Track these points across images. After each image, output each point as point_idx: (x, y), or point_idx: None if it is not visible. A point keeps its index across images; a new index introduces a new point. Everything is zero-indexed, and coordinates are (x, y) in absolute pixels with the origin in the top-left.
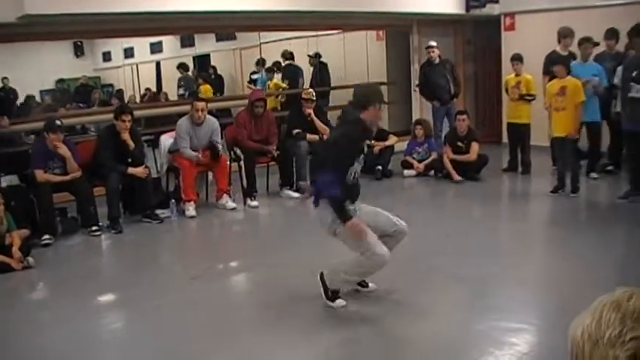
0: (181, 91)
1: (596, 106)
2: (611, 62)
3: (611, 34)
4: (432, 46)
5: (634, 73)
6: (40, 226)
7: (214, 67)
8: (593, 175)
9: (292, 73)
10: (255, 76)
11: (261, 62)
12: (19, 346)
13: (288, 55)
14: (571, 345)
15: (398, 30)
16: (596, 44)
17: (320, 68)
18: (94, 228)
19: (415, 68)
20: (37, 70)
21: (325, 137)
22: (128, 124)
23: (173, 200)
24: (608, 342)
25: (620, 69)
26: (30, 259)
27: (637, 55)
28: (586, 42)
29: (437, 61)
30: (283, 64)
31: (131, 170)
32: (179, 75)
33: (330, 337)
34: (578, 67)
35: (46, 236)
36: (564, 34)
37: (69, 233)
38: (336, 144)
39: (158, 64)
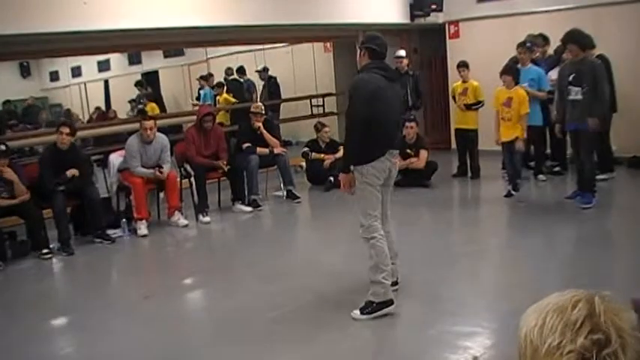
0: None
1: (537, 110)
2: (545, 67)
3: (542, 39)
4: (400, 57)
5: (570, 78)
6: None
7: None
8: (541, 177)
9: (236, 88)
10: (202, 92)
11: (206, 78)
12: None
13: (230, 72)
14: (518, 343)
15: (345, 41)
16: (530, 48)
17: (270, 82)
18: (44, 251)
19: None
20: None
21: (275, 151)
22: (66, 137)
23: (124, 219)
24: (547, 351)
25: (552, 73)
26: None
27: (572, 61)
28: (521, 47)
29: (404, 71)
30: (228, 79)
31: (69, 172)
32: (132, 93)
33: (285, 350)
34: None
35: None
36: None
37: (19, 257)
38: None
39: (106, 82)
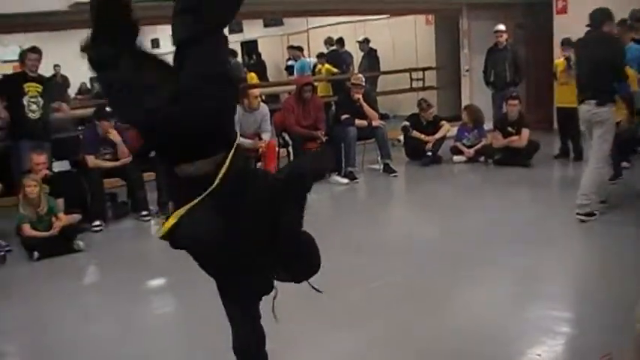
0: None
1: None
2: None
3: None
4: (500, 31)
5: None
6: (91, 211)
7: (259, 54)
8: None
9: (335, 59)
10: (289, 63)
11: (300, 48)
12: (66, 330)
13: (331, 42)
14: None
15: (447, 14)
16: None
17: (370, 54)
18: (143, 213)
19: (465, 53)
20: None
21: (374, 123)
22: None
23: None
24: None
25: None
26: (80, 242)
27: None
28: (621, 24)
29: (502, 46)
30: (327, 51)
31: None
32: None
33: (386, 319)
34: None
35: (97, 222)
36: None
37: (119, 218)
38: None
39: None
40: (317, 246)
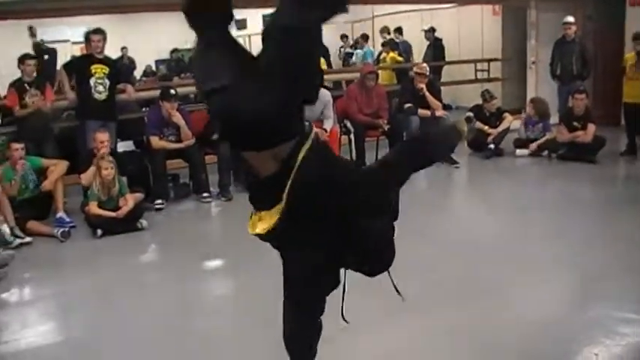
0: None
1: None
2: None
3: None
4: (569, 23)
5: None
6: (153, 191)
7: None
8: None
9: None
10: (347, 50)
11: (366, 37)
12: (125, 304)
13: (387, 31)
14: None
15: (515, 5)
16: None
17: (435, 43)
18: (204, 194)
19: (532, 44)
20: (153, 41)
21: (437, 113)
22: None
23: None
24: None
25: None
26: (143, 221)
27: None
28: None
29: (570, 38)
30: (383, 40)
31: None
32: None
33: (442, 313)
34: None
35: (159, 201)
36: None
37: (180, 198)
38: None
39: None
40: (394, 243)
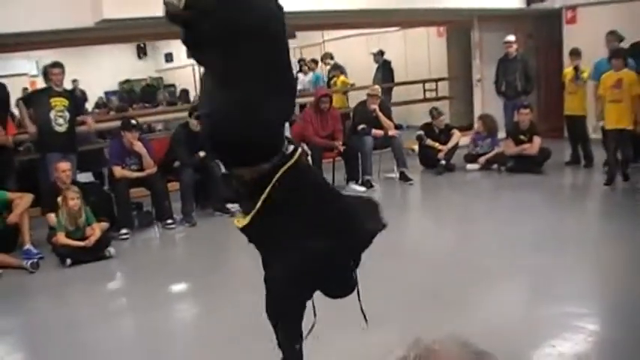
0: None
1: None
2: None
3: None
4: (509, 42)
5: None
6: (118, 220)
7: None
8: None
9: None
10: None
11: (317, 61)
12: (90, 333)
13: (329, 57)
14: None
15: (459, 26)
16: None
17: (384, 65)
18: (168, 221)
19: (476, 63)
20: (103, 72)
21: (390, 133)
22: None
23: None
24: None
25: None
26: (111, 249)
27: None
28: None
29: (512, 56)
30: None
31: (202, 153)
32: None
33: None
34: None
35: (124, 230)
36: None
37: (144, 226)
38: None
39: None
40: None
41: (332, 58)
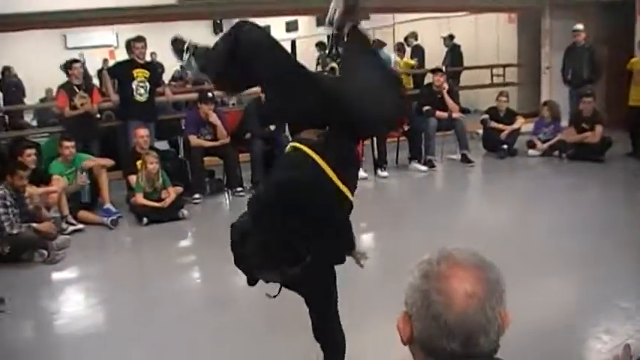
0: (319, 69)
1: None
2: None
3: None
4: (578, 30)
5: None
6: (191, 185)
7: None
8: None
9: (419, 54)
10: None
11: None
12: (160, 283)
13: (414, 36)
14: None
15: (530, 13)
16: None
17: (453, 49)
18: (238, 189)
19: (545, 51)
20: None
21: (454, 115)
22: None
23: None
24: None
25: None
26: (184, 211)
27: None
28: None
29: (580, 45)
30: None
31: (272, 127)
32: (316, 53)
33: None
34: None
35: (197, 195)
36: None
37: (216, 192)
38: None
39: (293, 42)
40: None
41: (416, 38)
